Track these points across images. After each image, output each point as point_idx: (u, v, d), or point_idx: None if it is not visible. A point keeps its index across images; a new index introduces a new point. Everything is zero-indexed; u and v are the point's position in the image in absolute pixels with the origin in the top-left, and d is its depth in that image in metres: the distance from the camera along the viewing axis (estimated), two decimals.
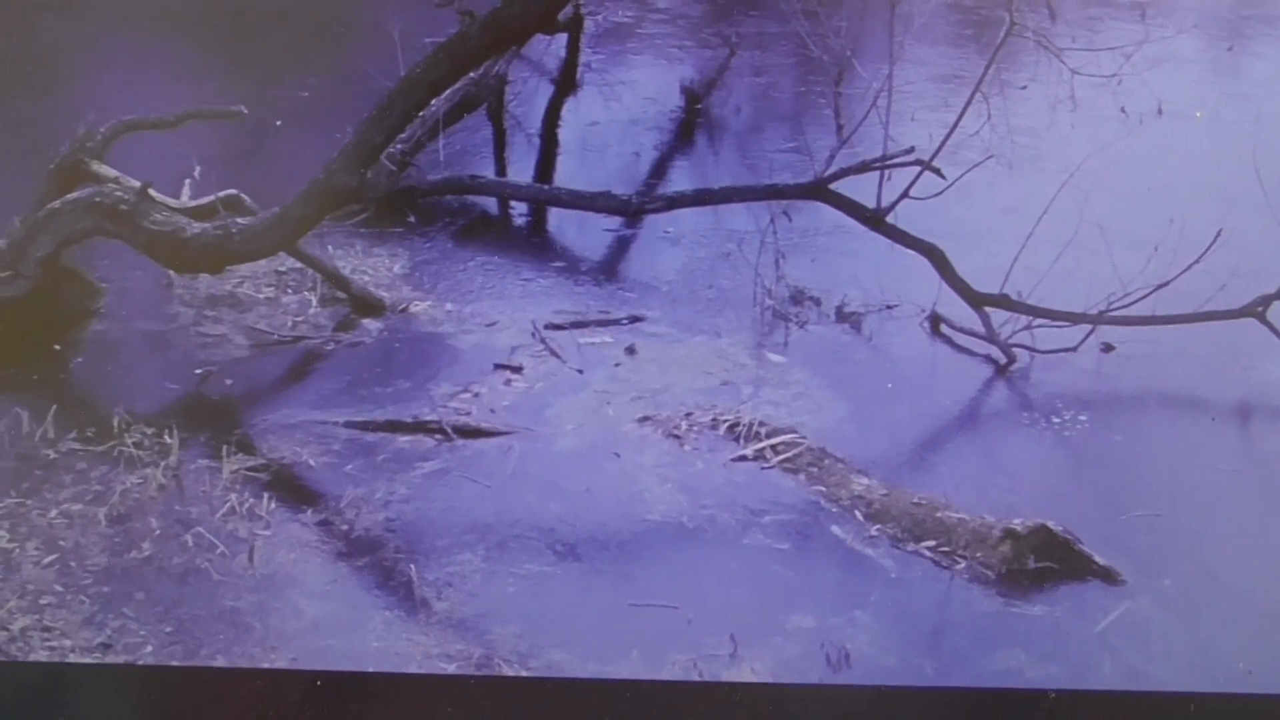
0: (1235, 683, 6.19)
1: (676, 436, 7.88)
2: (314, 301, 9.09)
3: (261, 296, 9.16)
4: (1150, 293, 8.63)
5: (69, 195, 8.76)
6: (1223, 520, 7.34)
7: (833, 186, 9.24)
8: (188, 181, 9.77)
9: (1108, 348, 8.85)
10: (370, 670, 6.08)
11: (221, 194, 9.39)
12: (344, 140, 8.57)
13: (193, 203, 9.40)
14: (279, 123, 11.74)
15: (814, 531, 7.15)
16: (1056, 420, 8.20)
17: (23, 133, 11.06)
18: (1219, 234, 8.71)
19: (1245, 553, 7.03)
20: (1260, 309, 8.68)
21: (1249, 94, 13.38)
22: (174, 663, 6.09)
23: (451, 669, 6.09)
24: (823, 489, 7.45)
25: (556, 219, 10.54)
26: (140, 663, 6.07)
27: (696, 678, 6.10)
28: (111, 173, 9.20)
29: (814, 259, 9.84)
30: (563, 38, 13.39)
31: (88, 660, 6.07)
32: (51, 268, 8.62)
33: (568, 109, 13.00)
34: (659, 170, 11.80)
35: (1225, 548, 7.06)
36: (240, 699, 5.56)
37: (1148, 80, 11.80)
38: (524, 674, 6.10)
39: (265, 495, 7.17)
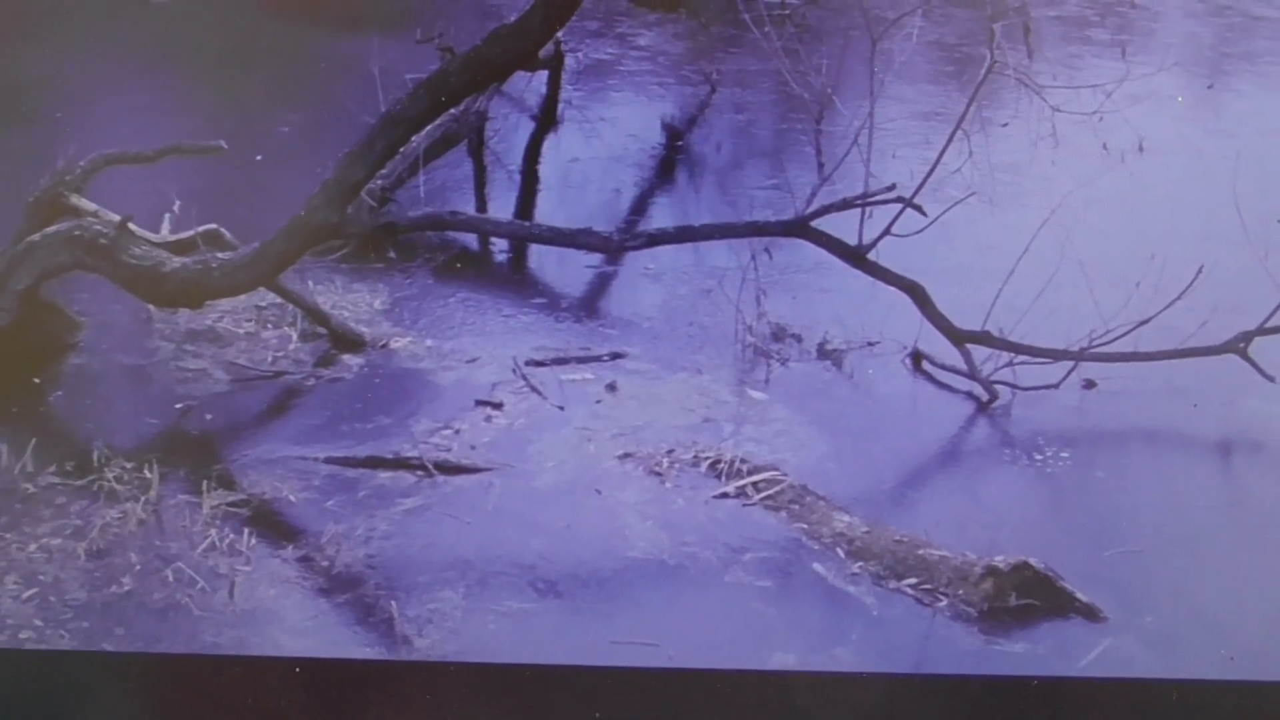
0: (1217, 669, 6.20)
1: (658, 473, 7.87)
2: (294, 337, 9.07)
3: (242, 331, 9.14)
4: (1132, 329, 8.65)
5: (48, 229, 8.72)
6: (1205, 557, 7.34)
7: (814, 223, 9.22)
8: (167, 216, 9.72)
9: (1090, 384, 8.85)
10: (348, 657, 6.07)
11: (201, 229, 9.37)
12: (325, 176, 8.56)
13: (173, 237, 9.38)
14: (259, 158, 11.72)
15: (795, 569, 7.14)
16: (1038, 457, 8.21)
17: (2, 165, 11.02)
18: (1200, 270, 8.74)
19: (1227, 589, 7.03)
20: (1241, 345, 8.70)
21: (1229, 130, 13.42)
22: (152, 650, 6.07)
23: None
24: (804, 526, 7.44)
25: (537, 255, 10.52)
26: (119, 650, 6.06)
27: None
28: (91, 206, 9.16)
29: (795, 296, 9.83)
30: (543, 74, 13.39)
31: (66, 648, 6.06)
32: (30, 301, 8.60)
33: (549, 145, 12.99)
34: (640, 207, 11.80)
35: (1207, 584, 7.07)
36: (218, 686, 5.57)
37: (1129, 117, 11.82)
38: (505, 661, 6.10)
39: (246, 531, 7.15)
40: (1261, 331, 8.69)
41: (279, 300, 9.18)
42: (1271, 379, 8.61)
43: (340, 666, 6.03)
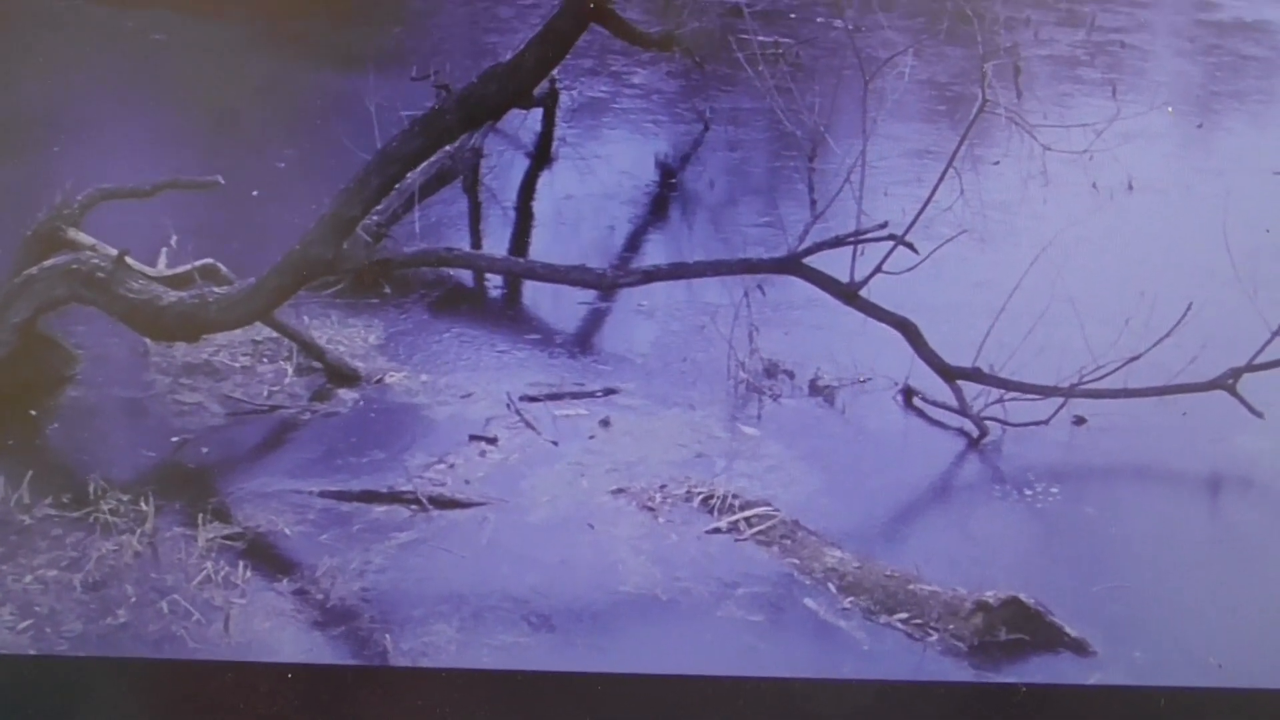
0: (1204, 677, 6.23)
1: (651, 509, 7.90)
2: (290, 371, 9.10)
3: (237, 365, 9.17)
4: (1121, 366, 8.69)
5: (46, 262, 8.75)
6: (1194, 592, 7.38)
7: (806, 261, 9.26)
8: (164, 250, 9.77)
9: (1079, 420, 8.90)
10: (340, 663, 6.09)
11: (198, 263, 9.43)
12: (320, 211, 8.61)
13: (169, 271, 9.42)
14: (255, 193, 11.76)
15: (787, 604, 7.17)
16: (1028, 492, 8.24)
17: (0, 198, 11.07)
18: (1189, 308, 8.79)
19: (1216, 624, 7.06)
20: (1230, 381, 8.75)
21: (1219, 169, 13.51)
22: (143, 655, 6.09)
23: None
24: (796, 561, 7.47)
25: (531, 292, 10.56)
26: (109, 655, 6.08)
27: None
28: (88, 240, 9.20)
29: (787, 332, 9.87)
30: (538, 112, 13.45)
31: (58, 654, 6.08)
32: (28, 334, 8.63)
33: (543, 182, 13.04)
34: (634, 244, 11.85)
35: (1196, 620, 7.11)
36: (211, 691, 5.59)
37: (1119, 156, 11.89)
38: (496, 667, 6.12)
39: (241, 564, 7.17)
40: (1250, 368, 8.74)
41: (275, 335, 9.21)
42: (1260, 415, 8.66)
43: (332, 672, 6.05)
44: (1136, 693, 6.21)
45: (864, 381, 9.32)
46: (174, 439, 8.35)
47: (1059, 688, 6.23)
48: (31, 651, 6.22)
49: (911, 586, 7.16)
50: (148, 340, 9.12)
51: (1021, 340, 8.94)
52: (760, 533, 7.68)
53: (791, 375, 9.38)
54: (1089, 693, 6.19)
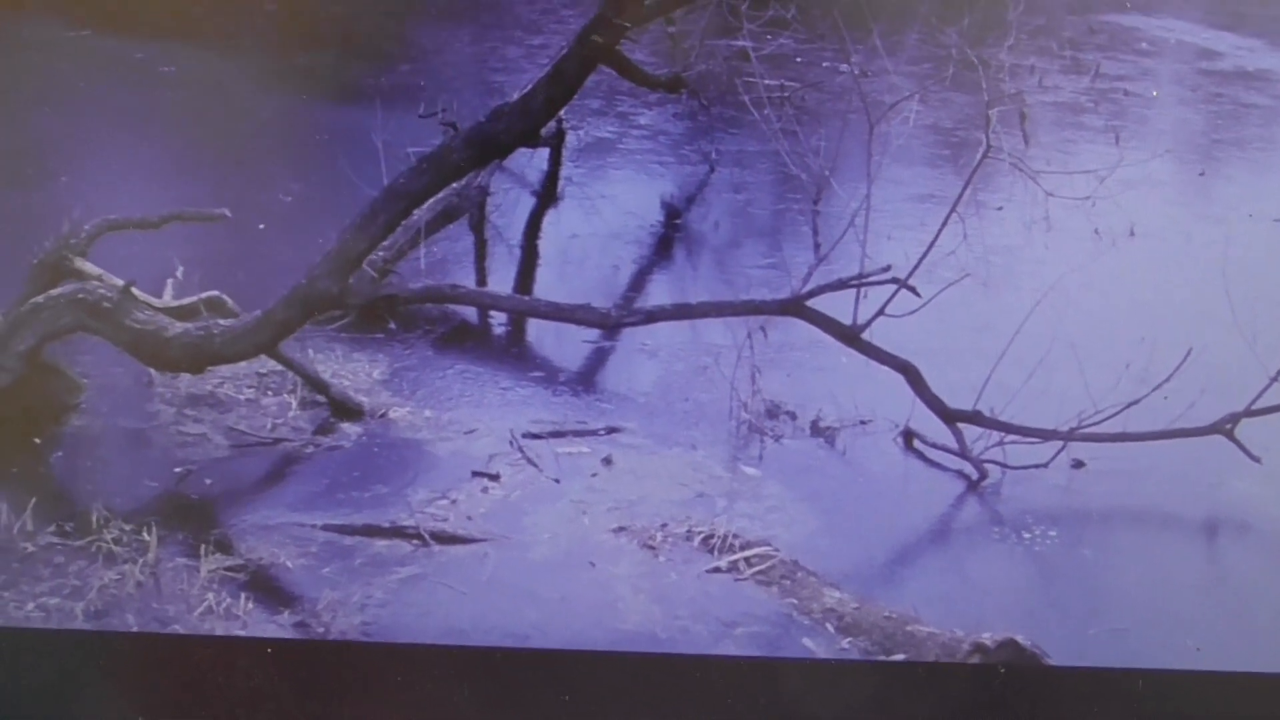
0: (1183, 659, 6.24)
1: (651, 547, 7.92)
2: (294, 404, 9.13)
3: (242, 397, 9.20)
4: (1121, 410, 8.73)
5: (52, 291, 8.78)
6: (1190, 636, 7.39)
7: (810, 303, 9.30)
8: (170, 281, 9.78)
9: (1078, 464, 8.93)
10: (320, 638, 6.09)
11: (204, 295, 9.45)
12: (326, 246, 8.66)
13: (175, 303, 9.44)
14: (262, 226, 11.80)
15: (786, 644, 7.18)
16: (1027, 535, 8.28)
17: (7, 227, 11.10)
18: (1189, 353, 8.84)
19: (1212, 668, 7.07)
20: (1229, 426, 8.79)
21: (1219, 215, 13.54)
22: (123, 630, 6.09)
23: None
24: (795, 601, 7.49)
25: (535, 329, 10.59)
26: (91, 629, 6.08)
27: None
28: (95, 270, 9.23)
29: (790, 374, 9.90)
30: (545, 151, 13.50)
31: (37, 627, 6.09)
32: (33, 362, 8.65)
33: (549, 221, 13.07)
34: (638, 284, 11.88)
35: (1192, 663, 7.11)
36: (191, 666, 5.59)
37: (1121, 202, 11.93)
38: (477, 644, 6.12)
39: (242, 595, 7.20)
40: (1249, 413, 8.78)
41: (279, 367, 9.24)
42: (1258, 460, 8.70)
43: (313, 647, 6.06)
44: (1114, 674, 6.23)
45: (865, 423, 9.35)
46: (177, 470, 8.37)
47: (1036, 668, 6.25)
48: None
49: (909, 628, 7.18)
50: (152, 371, 9.15)
51: (1022, 384, 8.98)
52: (760, 572, 7.70)
53: (793, 416, 9.41)
54: (1067, 674, 6.21)
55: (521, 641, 7.02)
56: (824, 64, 16.56)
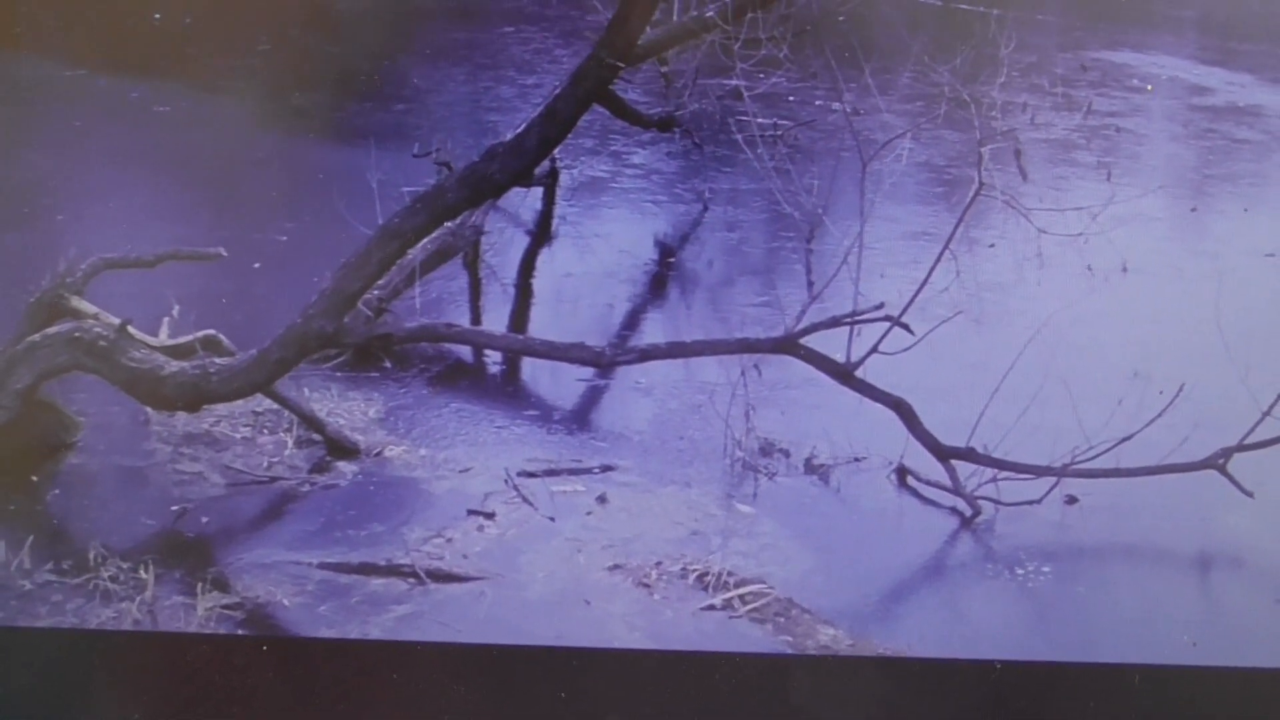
0: (1179, 654, 6.24)
1: (646, 585, 7.94)
2: (290, 443, 9.16)
3: (238, 436, 9.22)
4: (1114, 446, 8.77)
5: (49, 330, 8.82)
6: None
7: (803, 341, 9.34)
8: (166, 320, 9.81)
9: (1071, 500, 8.96)
10: (315, 636, 6.09)
11: (200, 334, 9.47)
12: (322, 285, 8.69)
13: (171, 341, 9.46)
14: (257, 265, 11.83)
15: None
16: (1020, 571, 8.30)
17: (3, 265, 11.11)
18: (1181, 388, 8.86)
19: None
20: (1221, 461, 8.82)
21: (1212, 251, 13.59)
22: (120, 628, 6.10)
23: None
24: (789, 639, 7.51)
25: (530, 368, 10.62)
26: (84, 629, 6.09)
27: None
28: (91, 309, 9.25)
29: (784, 412, 9.93)
30: (539, 190, 13.54)
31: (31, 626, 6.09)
32: (29, 400, 8.69)
33: (543, 260, 13.10)
34: (632, 322, 11.91)
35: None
36: (187, 663, 5.60)
37: (1113, 239, 11.96)
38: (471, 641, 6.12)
39: (239, 634, 7.21)
40: (1241, 448, 8.82)
41: (276, 406, 9.27)
42: (1250, 495, 8.73)
43: (307, 645, 6.06)
44: (1110, 670, 6.25)
45: (859, 461, 9.38)
46: (174, 508, 8.40)
47: (1033, 664, 6.26)
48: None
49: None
50: (149, 409, 9.17)
51: (1015, 420, 9.00)
52: (754, 610, 7.72)
53: (787, 454, 9.43)
54: (1062, 669, 6.22)
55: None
56: (816, 102, 16.61)
